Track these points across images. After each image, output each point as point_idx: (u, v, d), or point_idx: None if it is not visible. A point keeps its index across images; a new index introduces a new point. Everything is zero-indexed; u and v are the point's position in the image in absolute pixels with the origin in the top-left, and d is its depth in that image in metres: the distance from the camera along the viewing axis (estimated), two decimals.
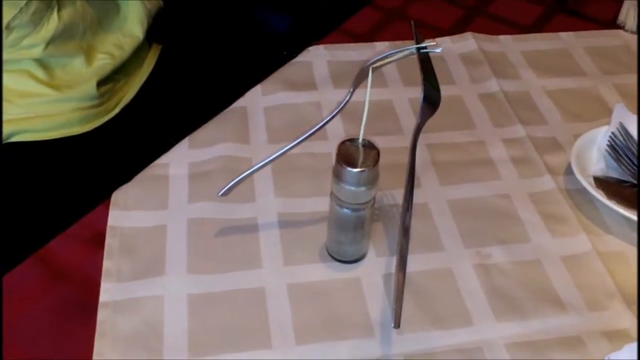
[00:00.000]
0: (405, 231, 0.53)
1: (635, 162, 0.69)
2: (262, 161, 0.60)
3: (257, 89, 0.81)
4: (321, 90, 0.81)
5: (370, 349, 0.55)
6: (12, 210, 0.77)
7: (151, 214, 0.66)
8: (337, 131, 0.75)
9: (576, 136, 0.73)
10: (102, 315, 0.57)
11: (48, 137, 0.80)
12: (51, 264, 0.61)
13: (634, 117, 0.72)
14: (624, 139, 0.70)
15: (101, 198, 0.67)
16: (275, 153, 0.60)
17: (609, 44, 0.92)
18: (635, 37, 0.93)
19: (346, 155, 0.54)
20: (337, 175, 0.55)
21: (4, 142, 0.78)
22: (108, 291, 0.59)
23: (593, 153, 0.72)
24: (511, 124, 0.78)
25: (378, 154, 0.55)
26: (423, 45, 0.55)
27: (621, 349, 0.53)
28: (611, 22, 0.96)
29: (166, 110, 0.91)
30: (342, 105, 0.57)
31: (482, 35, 0.91)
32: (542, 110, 0.80)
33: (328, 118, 0.58)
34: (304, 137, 0.59)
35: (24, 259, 0.62)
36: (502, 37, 0.92)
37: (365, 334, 0.56)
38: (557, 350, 0.55)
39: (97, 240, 0.63)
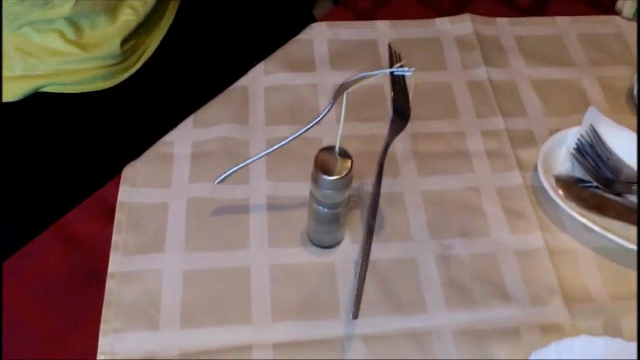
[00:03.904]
0: (370, 233, 0.61)
1: (600, 166, 0.74)
2: (258, 154, 0.67)
3: (260, 68, 0.87)
4: (319, 72, 0.86)
5: (335, 329, 0.64)
6: (39, 162, 0.84)
7: (156, 191, 0.73)
8: (329, 116, 0.80)
9: (552, 131, 0.78)
10: (109, 285, 0.66)
11: (74, 91, 0.87)
12: (68, 235, 0.70)
13: (607, 120, 0.77)
14: (591, 142, 0.75)
15: (117, 167, 0.75)
16: (270, 148, 0.66)
17: (602, 32, 0.94)
18: (630, 24, 0.95)
19: (323, 164, 0.61)
20: (315, 181, 0.62)
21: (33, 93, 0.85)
22: (116, 263, 0.68)
23: (562, 153, 0.77)
24: (493, 115, 0.82)
25: (352, 163, 0.61)
26: (395, 69, 0.60)
27: (547, 347, 0.60)
28: (609, 7, 0.98)
29: (186, 65, 0.96)
30: (322, 116, 0.63)
31: (479, 18, 0.94)
32: (525, 102, 0.84)
33: (314, 123, 0.64)
34: (297, 134, 0.64)
35: (43, 224, 0.71)
36: (499, 20, 0.95)
37: (332, 316, 0.65)
38: (494, 339, 0.63)
39: (110, 214, 0.71)
